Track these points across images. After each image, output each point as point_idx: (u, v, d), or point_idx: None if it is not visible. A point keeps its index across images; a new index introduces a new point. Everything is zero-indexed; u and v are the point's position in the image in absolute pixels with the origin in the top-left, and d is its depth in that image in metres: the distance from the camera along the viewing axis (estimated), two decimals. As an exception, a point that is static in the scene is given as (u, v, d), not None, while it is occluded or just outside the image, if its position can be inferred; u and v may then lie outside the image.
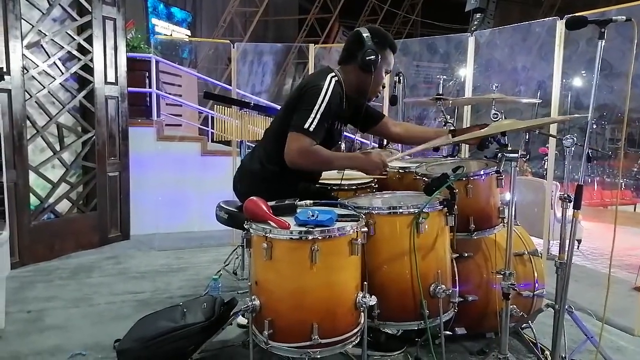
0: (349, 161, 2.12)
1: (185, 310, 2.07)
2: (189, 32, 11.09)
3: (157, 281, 3.20)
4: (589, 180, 7.96)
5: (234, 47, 4.16)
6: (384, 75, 2.09)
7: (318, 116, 1.86)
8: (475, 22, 9.37)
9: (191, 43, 10.56)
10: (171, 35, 10.17)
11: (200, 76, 7.20)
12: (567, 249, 1.87)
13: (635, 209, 7.65)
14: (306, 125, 1.85)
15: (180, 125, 6.02)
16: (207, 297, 2.22)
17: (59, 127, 3.69)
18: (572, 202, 1.80)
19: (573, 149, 1.91)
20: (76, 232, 3.83)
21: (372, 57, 1.95)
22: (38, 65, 3.48)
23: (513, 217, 1.91)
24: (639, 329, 2.52)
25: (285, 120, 1.97)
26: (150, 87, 5.05)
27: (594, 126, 9.00)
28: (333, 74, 2.00)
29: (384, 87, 2.17)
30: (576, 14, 1.88)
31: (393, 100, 3.06)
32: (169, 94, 5.89)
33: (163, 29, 10.16)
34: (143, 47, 5.58)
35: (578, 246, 4.60)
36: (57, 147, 3.69)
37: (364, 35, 1.98)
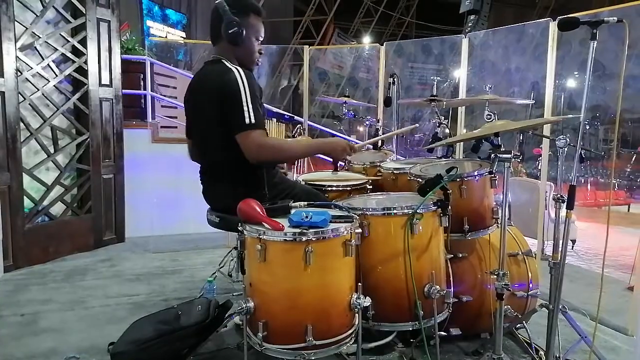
0: (314, 148, 2.09)
1: (179, 312, 2.07)
2: (184, 34, 11.09)
3: (152, 283, 3.19)
4: (582, 180, 8.00)
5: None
6: (254, 43, 2.03)
7: (250, 105, 1.81)
8: (470, 24, 9.41)
9: (186, 45, 10.55)
10: (166, 37, 10.16)
11: (196, 78, 7.18)
12: (560, 249, 1.88)
13: (629, 209, 7.69)
14: (247, 121, 1.80)
15: (175, 127, 6.01)
16: (202, 299, 2.22)
17: (53, 130, 3.68)
18: (565, 203, 1.81)
19: (566, 149, 1.92)
20: (71, 234, 3.81)
21: (235, 29, 1.90)
22: (32, 68, 3.46)
23: (507, 217, 1.92)
24: (633, 328, 2.54)
25: (215, 123, 1.91)
26: (145, 89, 5.04)
27: (587, 127, 9.05)
28: (223, 60, 1.95)
29: (261, 54, 2.08)
30: (568, 15, 1.89)
31: (387, 102, 3.07)
32: (164, 95, 5.87)
33: (158, 30, 10.16)
34: (138, 49, 5.57)
35: (572, 246, 4.62)
36: (51, 150, 3.67)
37: (222, 8, 1.91)
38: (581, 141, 1.79)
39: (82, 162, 3.88)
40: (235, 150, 1.88)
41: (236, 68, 1.89)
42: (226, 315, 2.09)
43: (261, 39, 2.07)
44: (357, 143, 2.32)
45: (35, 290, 3.02)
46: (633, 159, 8.80)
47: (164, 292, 3.03)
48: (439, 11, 14.97)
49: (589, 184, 8.17)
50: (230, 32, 1.90)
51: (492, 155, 1.81)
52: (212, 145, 2.01)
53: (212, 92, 1.90)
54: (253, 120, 1.81)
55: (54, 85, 3.65)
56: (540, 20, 3.15)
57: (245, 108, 1.81)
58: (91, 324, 2.54)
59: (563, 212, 1.84)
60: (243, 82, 1.84)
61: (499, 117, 2.23)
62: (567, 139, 1.90)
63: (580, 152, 1.78)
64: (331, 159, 2.08)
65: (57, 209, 3.76)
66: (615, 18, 1.71)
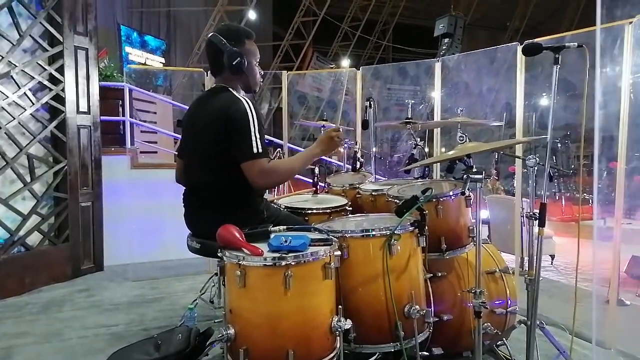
0: (308, 157, 2.10)
1: (159, 342, 2.04)
2: (163, 60, 11.11)
3: (131, 313, 3.14)
4: (557, 197, 8.20)
5: (207, 75, 4.19)
6: (255, 66, 2.12)
7: (257, 135, 1.87)
8: (444, 47, 9.67)
9: (165, 71, 10.57)
10: (145, 63, 10.17)
11: (175, 103, 7.20)
12: (535, 265, 1.93)
13: (604, 223, 7.85)
14: (254, 150, 1.86)
15: (155, 152, 6.00)
16: (183, 327, 2.18)
17: (29, 158, 3.63)
18: (537, 220, 1.87)
19: (536, 168, 1.99)
20: (48, 265, 3.73)
21: (238, 59, 1.98)
22: (8, 97, 3.44)
23: (483, 235, 1.97)
24: (610, 342, 2.58)
25: (217, 152, 1.94)
26: (123, 115, 5.03)
27: (559, 145, 9.32)
28: (230, 89, 2.02)
29: (262, 75, 2.19)
30: (532, 41, 1.98)
31: (365, 125, 3.12)
32: (144, 121, 5.87)
33: (137, 57, 10.17)
34: (116, 76, 5.58)
35: (552, 261, 4.71)
36: (28, 179, 3.62)
37: (219, 41, 1.99)
38: (550, 160, 1.86)
39: (59, 190, 3.83)
40: (226, 176, 1.92)
41: (244, 99, 1.95)
42: (207, 344, 2.06)
43: (258, 59, 2.15)
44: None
45: (10, 323, 2.94)
46: (604, 174, 9.06)
47: (144, 322, 2.98)
48: (414, 34, 15.39)
49: (563, 200, 8.36)
50: (234, 63, 1.97)
51: (464, 175, 1.86)
52: (204, 168, 2.03)
53: (218, 118, 1.93)
54: (260, 150, 1.87)
55: (30, 114, 3.62)
56: (509, 44, 3.26)
57: (253, 137, 1.86)
58: (68, 356, 2.48)
59: (536, 228, 1.89)
60: (252, 112, 1.90)
61: (474, 138, 2.29)
62: (537, 159, 1.96)
63: (549, 171, 1.84)
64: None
65: (34, 238, 3.68)
66: (576, 43, 1.80)
